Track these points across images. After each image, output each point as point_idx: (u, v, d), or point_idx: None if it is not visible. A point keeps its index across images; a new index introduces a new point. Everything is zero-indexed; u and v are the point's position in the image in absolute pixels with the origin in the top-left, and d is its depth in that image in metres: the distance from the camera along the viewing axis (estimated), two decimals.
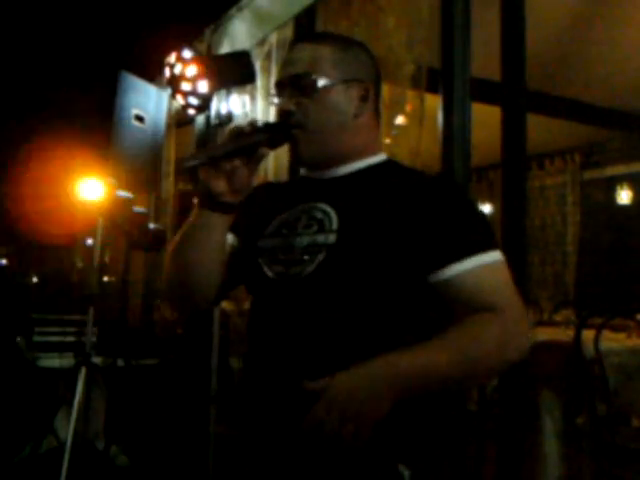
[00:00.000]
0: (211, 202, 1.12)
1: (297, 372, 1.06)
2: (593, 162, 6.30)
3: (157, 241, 2.91)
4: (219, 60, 3.10)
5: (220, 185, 1.09)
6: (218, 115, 3.13)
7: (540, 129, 3.54)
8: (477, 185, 6.74)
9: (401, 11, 2.41)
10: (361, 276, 1.07)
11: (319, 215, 1.14)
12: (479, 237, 1.09)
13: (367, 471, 1.00)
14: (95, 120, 2.78)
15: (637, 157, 5.81)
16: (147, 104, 2.93)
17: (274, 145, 1.14)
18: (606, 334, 2.64)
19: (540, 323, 3.94)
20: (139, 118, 2.85)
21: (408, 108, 2.33)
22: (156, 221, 4.35)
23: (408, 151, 2.27)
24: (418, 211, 1.08)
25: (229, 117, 3.05)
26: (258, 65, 3.28)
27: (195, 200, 1.16)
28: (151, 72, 3.52)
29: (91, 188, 2.76)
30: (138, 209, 2.76)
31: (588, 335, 2.60)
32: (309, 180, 1.25)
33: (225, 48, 3.73)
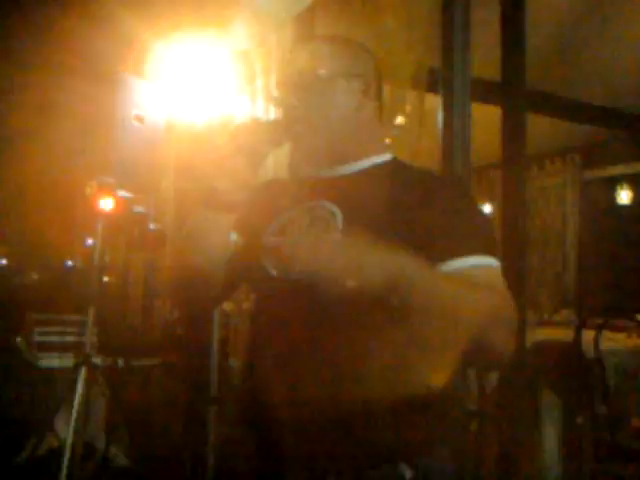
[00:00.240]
0: (214, 201, 1.12)
1: (302, 369, 1.06)
2: (593, 162, 6.30)
3: (157, 241, 2.91)
4: (219, 60, 3.11)
5: (223, 183, 1.10)
6: (218, 115, 3.13)
7: (540, 129, 3.53)
8: (477, 185, 6.73)
9: (401, 11, 2.41)
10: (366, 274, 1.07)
11: (324, 214, 1.15)
12: (480, 240, 1.09)
13: (367, 470, 1.00)
14: (95, 120, 2.78)
15: (637, 157, 5.81)
16: (147, 104, 2.93)
17: (277, 142, 1.14)
18: (606, 334, 2.65)
19: (540, 323, 3.94)
20: (139, 118, 2.85)
21: (408, 108, 2.33)
22: (156, 221, 4.35)
23: (408, 151, 2.27)
24: (423, 209, 1.08)
25: (229, 117, 3.05)
26: (258, 65, 3.28)
27: (198, 199, 1.16)
28: (151, 72, 3.52)
29: (91, 188, 2.76)
30: (138, 209, 2.76)
31: (588, 335, 2.60)
32: (314, 178, 1.25)
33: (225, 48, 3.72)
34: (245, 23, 3.59)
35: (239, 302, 3.38)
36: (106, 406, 3.18)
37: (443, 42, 2.23)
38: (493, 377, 2.64)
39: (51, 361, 3.57)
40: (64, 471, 2.36)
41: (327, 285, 1.08)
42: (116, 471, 3.10)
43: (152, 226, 2.75)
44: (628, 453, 2.50)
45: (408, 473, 1.00)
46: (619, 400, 2.57)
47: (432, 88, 2.27)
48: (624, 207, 5.95)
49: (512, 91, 2.27)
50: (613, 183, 6.05)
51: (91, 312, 2.66)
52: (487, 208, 6.50)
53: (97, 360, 2.86)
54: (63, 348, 3.59)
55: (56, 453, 2.69)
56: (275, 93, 1.23)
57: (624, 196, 5.94)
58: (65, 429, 2.65)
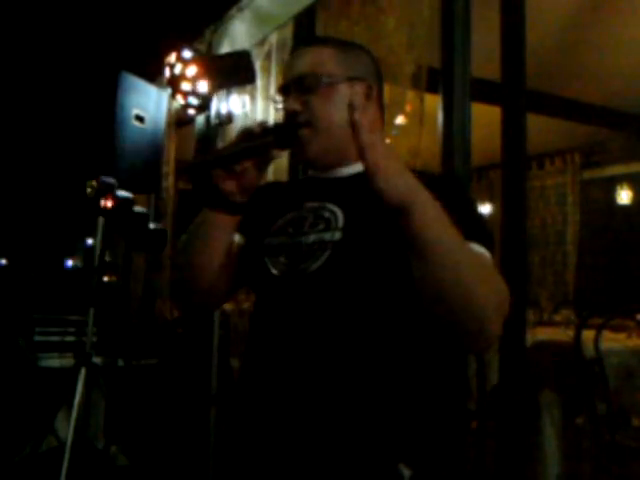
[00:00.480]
0: (220, 202, 1.13)
1: (302, 368, 1.06)
2: (593, 162, 6.30)
3: (157, 241, 2.90)
4: (219, 60, 3.10)
5: (230, 186, 1.11)
6: (218, 115, 3.13)
7: (540, 129, 3.53)
8: (477, 185, 6.74)
9: (401, 11, 2.41)
10: (367, 271, 1.07)
11: (326, 214, 1.15)
12: (475, 231, 1.07)
13: (367, 470, 1.00)
14: (95, 120, 2.78)
15: (637, 157, 5.81)
16: (147, 104, 2.93)
17: (283, 146, 1.15)
18: (606, 334, 2.65)
19: (540, 323, 3.94)
20: (139, 118, 2.85)
21: (408, 108, 2.33)
22: (156, 221, 4.34)
23: (408, 151, 2.27)
24: None
25: (229, 117, 3.05)
26: (258, 65, 3.28)
27: (201, 200, 1.16)
28: (151, 72, 3.52)
29: (91, 188, 2.75)
30: (138, 209, 2.76)
31: (588, 335, 2.60)
32: (316, 180, 1.25)
33: (225, 48, 3.73)
34: (245, 23, 3.59)
35: (239, 302, 3.39)
36: (106, 406, 3.18)
37: (443, 42, 2.24)
38: (493, 377, 2.64)
39: (51, 361, 3.57)
40: (64, 471, 2.36)
41: (330, 283, 1.08)
42: (116, 471, 3.10)
43: (152, 226, 2.75)
44: (628, 453, 2.50)
45: (407, 473, 1.00)
46: (619, 400, 2.57)
47: (432, 88, 2.27)
48: (624, 207, 5.95)
49: (512, 91, 2.27)
50: (613, 183, 6.05)
51: (91, 312, 2.66)
52: (487, 208, 6.50)
53: (97, 360, 2.86)
54: (63, 348, 3.59)
55: (56, 453, 2.69)
56: (278, 96, 1.23)
57: (624, 196, 5.94)
58: (65, 429, 2.65)
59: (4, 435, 3.18)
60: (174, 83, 2.88)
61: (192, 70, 2.83)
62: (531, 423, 2.57)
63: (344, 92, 1.17)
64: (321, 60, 1.19)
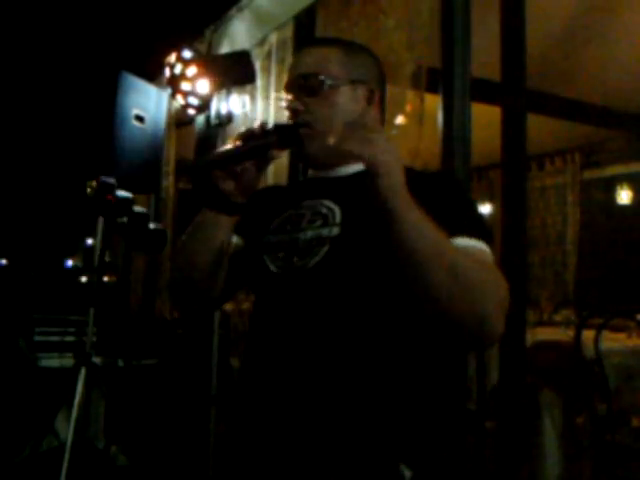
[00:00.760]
0: (219, 202, 1.13)
1: (301, 366, 1.06)
2: (593, 162, 6.30)
3: (157, 241, 2.90)
4: (219, 60, 3.11)
5: (229, 186, 1.12)
6: (218, 115, 3.12)
7: (540, 129, 3.53)
8: (477, 185, 6.74)
9: (401, 11, 2.41)
10: (365, 266, 1.07)
11: (323, 210, 1.16)
12: (471, 225, 1.08)
13: (367, 471, 1.00)
14: (95, 120, 2.78)
15: (637, 157, 5.81)
16: (147, 104, 2.92)
17: (284, 146, 1.15)
18: (606, 334, 2.65)
19: (540, 323, 3.94)
20: (139, 118, 2.85)
21: (408, 108, 2.33)
22: (156, 221, 4.34)
23: (408, 151, 2.27)
24: (419, 201, 1.09)
25: (229, 117, 3.05)
26: (258, 65, 3.28)
27: (201, 200, 1.17)
28: (151, 72, 3.52)
29: (91, 188, 2.75)
30: (138, 209, 2.75)
31: (588, 335, 2.60)
32: (314, 180, 1.26)
33: (225, 48, 3.73)
34: (245, 23, 3.59)
35: (239, 302, 3.39)
36: (106, 406, 3.18)
37: (443, 42, 2.24)
38: (493, 377, 2.64)
39: (51, 361, 3.57)
40: (64, 471, 2.36)
41: (328, 278, 1.08)
42: (116, 471, 3.10)
43: (152, 226, 2.74)
44: (628, 453, 2.50)
45: (408, 473, 1.00)
46: (619, 400, 2.57)
47: (432, 88, 2.27)
48: (624, 207, 5.95)
49: (512, 91, 2.27)
50: (613, 183, 6.05)
51: (91, 312, 2.66)
52: (487, 208, 6.50)
53: (97, 360, 2.86)
54: (63, 348, 3.59)
55: (56, 453, 2.69)
56: (283, 94, 1.24)
57: (624, 196, 5.94)
58: (65, 429, 2.65)
59: (4, 435, 3.18)
60: (174, 83, 2.88)
61: (192, 70, 2.83)
62: (531, 423, 2.57)
63: (346, 95, 1.18)
64: (325, 61, 1.19)
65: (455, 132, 2.15)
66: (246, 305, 3.31)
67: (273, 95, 3.19)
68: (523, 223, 2.27)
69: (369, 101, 1.20)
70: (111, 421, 3.20)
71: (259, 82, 3.30)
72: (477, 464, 2.57)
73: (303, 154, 1.19)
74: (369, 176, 0.92)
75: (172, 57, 2.90)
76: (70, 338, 3.69)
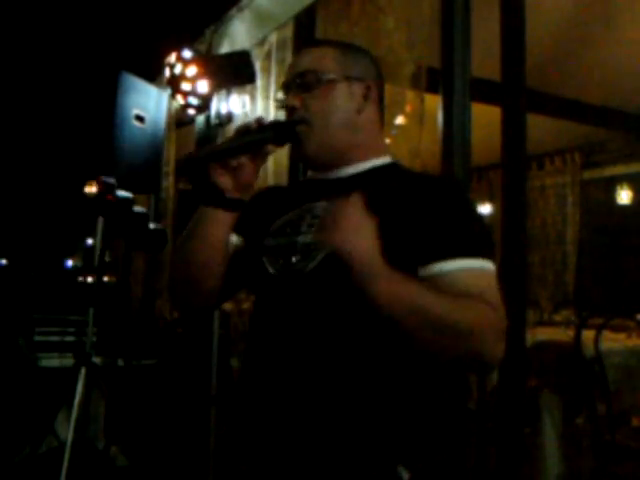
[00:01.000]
0: (216, 198, 1.13)
1: (299, 368, 1.06)
2: (593, 162, 6.30)
3: (157, 241, 2.90)
4: (219, 60, 3.10)
5: (225, 181, 1.12)
6: (218, 115, 3.13)
7: (540, 129, 3.53)
8: (477, 185, 6.74)
9: (401, 11, 2.41)
10: None
11: (322, 213, 1.15)
12: (477, 242, 1.08)
13: (365, 472, 1.00)
14: (95, 120, 2.78)
15: (637, 157, 5.81)
16: (147, 104, 2.92)
17: (280, 142, 1.16)
18: (606, 334, 2.65)
19: (540, 323, 3.94)
20: (139, 118, 2.85)
21: (408, 108, 2.33)
22: (156, 221, 4.34)
23: (408, 151, 2.27)
24: (419, 210, 1.09)
25: (229, 117, 3.05)
26: (258, 65, 3.28)
27: (198, 196, 1.17)
28: (151, 72, 3.52)
29: (91, 188, 2.75)
30: (138, 209, 2.75)
31: (588, 335, 2.61)
32: (314, 181, 1.26)
33: (225, 48, 3.73)
34: (245, 23, 3.59)
35: (239, 302, 3.39)
36: (106, 406, 3.18)
37: (443, 42, 2.24)
38: (493, 377, 2.64)
39: (51, 361, 3.57)
40: (64, 471, 2.36)
41: (325, 283, 1.08)
42: (116, 471, 3.10)
43: (152, 226, 2.74)
44: (628, 453, 2.50)
45: (406, 475, 1.00)
46: (619, 400, 2.57)
47: (432, 88, 2.27)
48: (624, 207, 5.95)
49: (512, 91, 2.27)
50: (613, 183, 6.05)
51: (91, 312, 2.66)
52: (487, 208, 6.50)
53: (97, 360, 2.86)
54: (63, 348, 3.59)
55: (56, 453, 2.69)
56: (278, 95, 1.24)
57: (624, 196, 5.94)
58: (65, 429, 2.65)
59: (4, 435, 3.18)
60: (174, 83, 2.88)
61: (192, 70, 2.83)
62: (531, 423, 2.57)
63: (342, 91, 1.18)
64: (321, 59, 1.20)
65: (455, 132, 2.15)
66: (246, 305, 3.31)
67: (273, 95, 3.19)
68: (523, 223, 2.27)
69: (366, 98, 1.20)
70: (111, 421, 3.20)
71: (259, 82, 3.30)
72: (477, 464, 2.57)
73: (301, 151, 1.19)
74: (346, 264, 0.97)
75: (172, 57, 2.90)
76: (70, 338, 3.69)
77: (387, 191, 1.14)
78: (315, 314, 1.08)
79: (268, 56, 3.34)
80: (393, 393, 1.05)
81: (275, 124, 1.16)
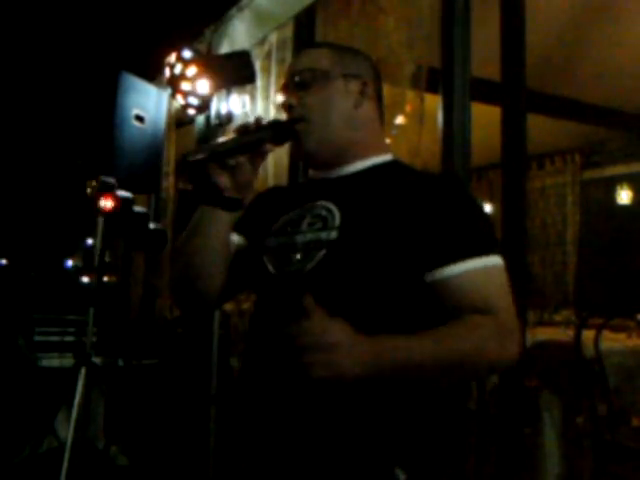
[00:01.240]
0: (215, 198, 1.14)
1: (295, 368, 1.06)
2: (593, 162, 6.30)
3: (157, 241, 2.90)
4: (219, 60, 3.10)
5: (224, 180, 1.12)
6: (218, 115, 3.12)
7: (540, 129, 3.53)
8: (477, 185, 6.74)
9: (401, 11, 2.41)
10: (361, 272, 1.07)
11: (323, 213, 1.15)
12: (478, 240, 1.09)
13: (363, 474, 1.00)
14: (95, 120, 2.78)
15: (637, 157, 5.81)
16: (147, 104, 2.92)
17: (279, 141, 1.16)
18: (606, 334, 2.65)
19: (540, 323, 3.94)
20: (139, 118, 2.85)
21: (408, 108, 2.33)
22: (156, 221, 4.34)
23: (408, 151, 2.27)
24: (420, 209, 1.09)
25: (229, 117, 3.05)
26: (258, 65, 3.28)
27: (197, 196, 1.17)
28: (151, 72, 3.52)
29: (91, 188, 2.75)
30: (138, 209, 2.76)
31: (588, 335, 2.60)
32: (315, 181, 1.26)
33: (225, 48, 3.73)
34: (245, 23, 3.59)
35: (239, 302, 3.38)
36: (106, 406, 3.18)
37: (443, 42, 2.24)
38: (493, 377, 2.64)
39: (51, 361, 3.57)
40: (64, 471, 2.36)
41: (324, 283, 1.08)
42: (116, 471, 3.10)
43: (152, 226, 2.74)
44: (628, 453, 2.50)
45: (402, 477, 1.00)
46: (619, 400, 2.57)
47: (432, 88, 2.27)
48: (624, 207, 5.95)
49: (512, 91, 2.26)
50: (613, 183, 6.05)
51: (91, 312, 2.66)
52: (487, 208, 6.50)
53: (97, 360, 2.86)
54: (63, 348, 3.59)
55: (56, 453, 2.69)
56: (278, 98, 1.25)
57: (624, 196, 5.94)
58: (65, 429, 2.65)
59: (4, 435, 3.18)
60: (174, 83, 2.87)
61: (192, 70, 2.83)
62: (531, 423, 2.57)
63: (339, 87, 1.19)
64: (318, 58, 1.21)
65: (455, 132, 2.15)
66: (246, 305, 3.31)
67: (273, 95, 3.19)
68: (523, 223, 2.27)
69: (362, 94, 1.21)
70: (111, 421, 3.20)
71: (259, 82, 3.30)
72: (477, 464, 2.57)
73: (300, 149, 1.19)
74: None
75: (172, 57, 2.90)
76: (70, 338, 3.69)
77: (388, 191, 1.14)
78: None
79: (268, 56, 3.34)
80: (391, 394, 1.04)
81: (274, 123, 1.16)
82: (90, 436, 2.91)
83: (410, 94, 2.34)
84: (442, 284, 1.05)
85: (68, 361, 3.37)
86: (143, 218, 2.77)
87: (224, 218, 1.16)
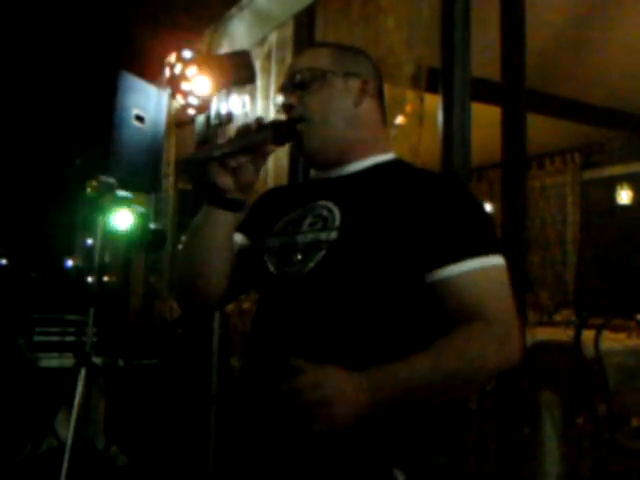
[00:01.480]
0: (217, 199, 1.14)
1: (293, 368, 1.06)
2: (593, 162, 6.30)
3: (157, 241, 2.90)
4: (219, 60, 3.10)
5: (226, 182, 1.12)
6: (218, 115, 3.12)
7: (540, 129, 3.53)
8: (477, 185, 6.74)
9: (401, 11, 2.41)
10: (360, 273, 1.07)
11: (324, 213, 1.15)
12: (477, 240, 1.08)
13: (361, 475, 1.00)
14: (95, 120, 2.78)
15: (637, 157, 5.81)
16: (147, 104, 2.92)
17: (280, 142, 1.16)
18: (606, 334, 2.65)
19: (540, 323, 3.94)
20: (139, 118, 2.85)
21: (408, 108, 2.33)
22: (156, 221, 4.35)
23: (408, 151, 2.27)
24: (420, 209, 1.08)
25: (229, 117, 3.05)
26: (258, 65, 3.28)
27: (200, 197, 1.18)
28: (151, 72, 3.51)
29: (91, 188, 2.75)
30: (138, 209, 2.75)
31: (588, 335, 2.61)
32: (317, 181, 1.26)
33: (225, 48, 3.73)
34: (245, 23, 3.59)
35: (239, 302, 3.38)
36: (106, 406, 3.18)
37: (443, 42, 2.24)
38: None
39: (51, 361, 3.57)
40: (64, 471, 2.36)
41: (323, 284, 1.08)
42: (116, 471, 3.10)
43: (152, 226, 2.74)
44: (628, 453, 2.50)
45: (401, 477, 1.00)
46: (619, 400, 2.57)
47: (432, 88, 2.27)
48: (624, 207, 5.95)
49: (512, 91, 2.27)
50: (613, 183, 6.05)
51: (91, 312, 2.66)
52: (487, 208, 6.50)
53: (97, 360, 2.86)
54: (63, 348, 3.59)
55: (56, 453, 2.69)
56: (277, 99, 1.25)
57: (624, 196, 5.94)
58: (65, 429, 2.65)
59: (4, 435, 3.18)
60: (174, 83, 2.88)
61: (192, 70, 2.83)
62: (531, 423, 2.57)
63: (338, 86, 1.19)
64: (317, 57, 1.21)
65: (455, 132, 2.15)
66: (246, 305, 3.31)
67: (273, 95, 3.19)
68: (523, 223, 2.27)
69: (363, 91, 1.20)
70: (111, 421, 3.19)
71: (259, 82, 3.30)
72: (477, 464, 2.57)
73: (302, 149, 1.19)
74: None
75: (172, 57, 2.90)
76: (70, 338, 3.69)
77: (388, 191, 1.13)
78: (316, 313, 1.08)
79: (268, 56, 3.34)
80: None
81: (274, 124, 1.16)
82: (90, 436, 2.91)
83: (410, 94, 2.34)
84: (440, 285, 1.05)
85: (68, 361, 3.36)
86: (143, 218, 2.77)
87: (227, 219, 1.16)
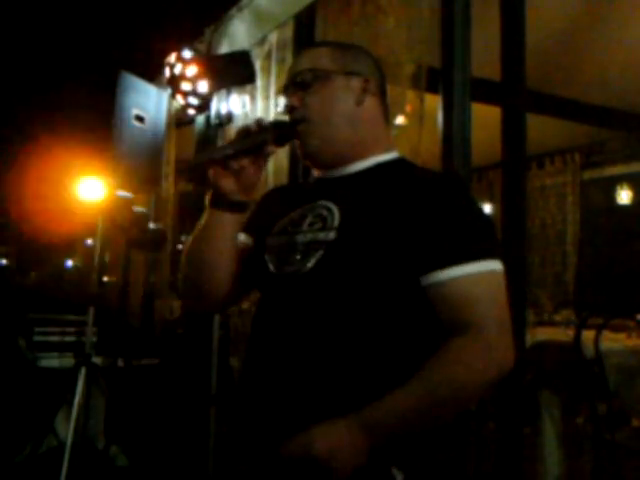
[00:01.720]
0: (220, 201, 1.14)
1: (294, 368, 1.06)
2: (593, 162, 6.29)
3: (157, 241, 2.91)
4: (219, 60, 3.11)
5: (229, 184, 1.12)
6: (218, 115, 3.13)
7: (540, 129, 3.53)
8: (477, 185, 6.74)
9: (401, 11, 2.41)
10: (356, 273, 1.07)
11: (324, 213, 1.15)
12: (474, 244, 1.07)
13: (360, 473, 1.00)
14: (95, 120, 2.78)
15: (637, 157, 5.81)
16: (147, 104, 2.92)
17: (281, 143, 1.16)
18: (606, 334, 2.64)
19: (540, 323, 3.94)
20: (139, 118, 2.85)
21: (408, 108, 2.33)
22: (156, 221, 4.34)
23: (408, 151, 2.27)
24: (419, 211, 1.08)
25: (229, 117, 3.06)
26: (258, 65, 3.28)
27: (206, 200, 1.18)
28: (151, 72, 3.52)
29: (91, 188, 2.76)
30: (138, 209, 2.76)
31: (588, 335, 2.60)
32: (319, 180, 1.26)
33: (225, 48, 3.72)
34: (245, 23, 3.58)
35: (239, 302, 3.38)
36: (106, 406, 3.18)
37: (443, 42, 2.23)
38: None
39: (51, 361, 3.57)
40: (64, 471, 2.36)
41: (320, 284, 1.09)
42: (116, 471, 3.10)
43: (152, 226, 2.75)
44: (628, 453, 2.50)
45: (399, 477, 1.00)
46: (619, 400, 2.57)
47: (432, 88, 2.26)
48: (624, 207, 5.94)
49: (512, 91, 2.26)
50: (613, 183, 6.05)
51: (91, 312, 2.67)
52: (487, 208, 6.50)
53: (97, 360, 2.86)
54: (63, 348, 3.59)
55: (56, 453, 2.69)
56: (279, 100, 1.26)
57: (624, 196, 5.94)
58: (65, 429, 2.65)
59: (4, 435, 3.18)
60: (174, 83, 2.88)
61: (192, 70, 2.83)
62: (531, 423, 2.57)
63: (340, 85, 1.19)
64: (318, 57, 1.21)
65: (455, 132, 2.15)
66: (246, 305, 3.31)
67: (273, 95, 3.19)
68: (523, 223, 2.27)
69: (365, 90, 1.20)
70: (111, 421, 3.20)
71: (259, 82, 3.30)
72: (477, 464, 2.57)
73: (303, 150, 1.19)
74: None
75: (172, 57, 2.91)
76: (70, 338, 3.69)
77: (388, 191, 1.13)
78: (313, 313, 1.08)
79: (268, 56, 3.33)
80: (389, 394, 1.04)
81: (275, 124, 1.16)
82: (90, 436, 2.91)
83: (410, 94, 2.33)
84: (433, 289, 1.05)
85: (68, 361, 3.36)
86: (143, 218, 2.77)
87: (230, 220, 1.16)
